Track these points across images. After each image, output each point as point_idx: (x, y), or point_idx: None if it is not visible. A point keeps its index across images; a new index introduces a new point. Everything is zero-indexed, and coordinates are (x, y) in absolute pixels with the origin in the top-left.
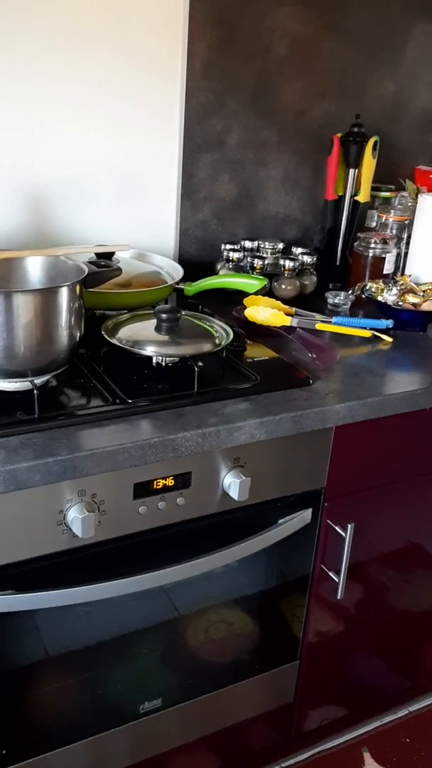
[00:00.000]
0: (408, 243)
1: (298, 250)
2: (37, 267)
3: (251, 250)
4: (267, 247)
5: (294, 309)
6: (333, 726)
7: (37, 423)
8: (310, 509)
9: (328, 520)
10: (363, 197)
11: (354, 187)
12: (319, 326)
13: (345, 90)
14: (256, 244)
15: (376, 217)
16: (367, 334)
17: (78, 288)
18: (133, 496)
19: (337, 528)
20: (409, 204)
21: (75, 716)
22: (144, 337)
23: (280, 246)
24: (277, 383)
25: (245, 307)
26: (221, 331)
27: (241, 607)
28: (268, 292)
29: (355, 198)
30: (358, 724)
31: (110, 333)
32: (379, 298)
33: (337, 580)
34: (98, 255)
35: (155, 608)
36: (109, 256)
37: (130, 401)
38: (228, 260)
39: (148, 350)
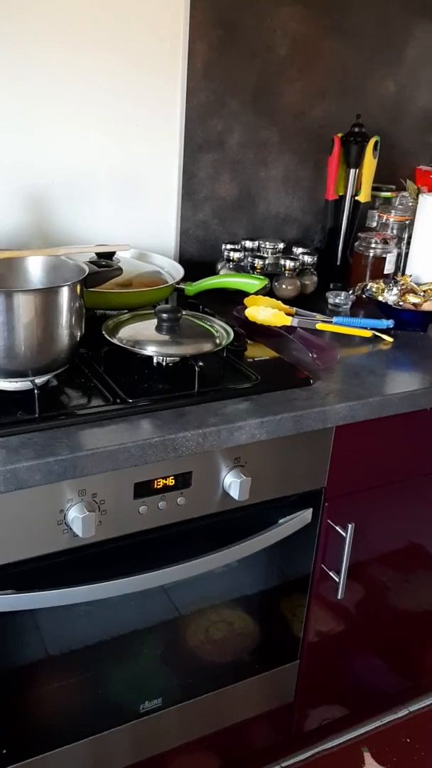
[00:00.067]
0: (408, 243)
1: (298, 250)
2: (37, 267)
3: (252, 250)
4: (267, 247)
5: (294, 309)
6: (333, 726)
7: (38, 422)
8: (311, 509)
9: (328, 520)
10: (364, 197)
11: (355, 187)
12: (319, 326)
13: (346, 90)
14: (256, 244)
15: (376, 217)
16: (368, 334)
17: (79, 288)
18: (133, 495)
19: (337, 528)
20: (410, 204)
21: (75, 716)
22: (145, 336)
23: (281, 246)
24: (278, 383)
25: (246, 307)
26: (222, 331)
27: (242, 607)
28: (268, 292)
29: (356, 198)
30: (359, 724)
31: (111, 333)
32: (380, 298)
33: (337, 580)
34: (99, 255)
35: (155, 608)
36: (109, 255)
37: (130, 401)
38: (228, 260)
39: (149, 350)
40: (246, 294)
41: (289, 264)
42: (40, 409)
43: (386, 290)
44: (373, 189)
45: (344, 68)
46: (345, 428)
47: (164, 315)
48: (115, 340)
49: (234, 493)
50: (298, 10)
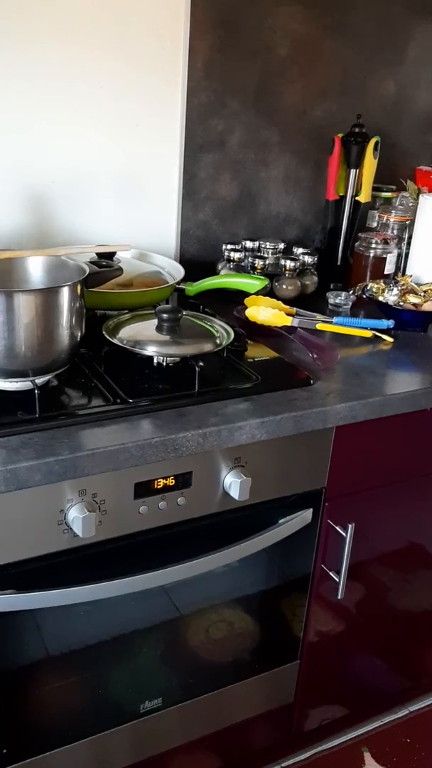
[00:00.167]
0: (409, 243)
1: (299, 250)
2: (38, 267)
3: (252, 250)
4: (268, 247)
5: (295, 309)
6: (333, 726)
7: (38, 423)
8: (311, 509)
9: (328, 520)
10: (364, 197)
11: (355, 187)
12: (319, 326)
13: (346, 90)
14: (257, 244)
15: (377, 218)
16: (368, 334)
17: (79, 288)
18: (133, 495)
19: (337, 528)
20: (410, 204)
21: (75, 715)
22: (145, 337)
23: (281, 246)
24: (278, 383)
25: (246, 307)
26: (222, 331)
27: (242, 607)
28: (269, 292)
29: (356, 198)
30: (359, 724)
31: (111, 333)
32: (380, 299)
33: (337, 580)
34: (99, 255)
35: (156, 608)
36: (110, 256)
37: (131, 401)
38: (229, 260)
39: (149, 350)
40: (246, 294)
41: (289, 264)
42: (41, 409)
43: (386, 290)
44: (374, 189)
45: (345, 68)
46: (345, 428)
47: (165, 315)
48: (115, 341)
49: (234, 493)
50: (298, 10)
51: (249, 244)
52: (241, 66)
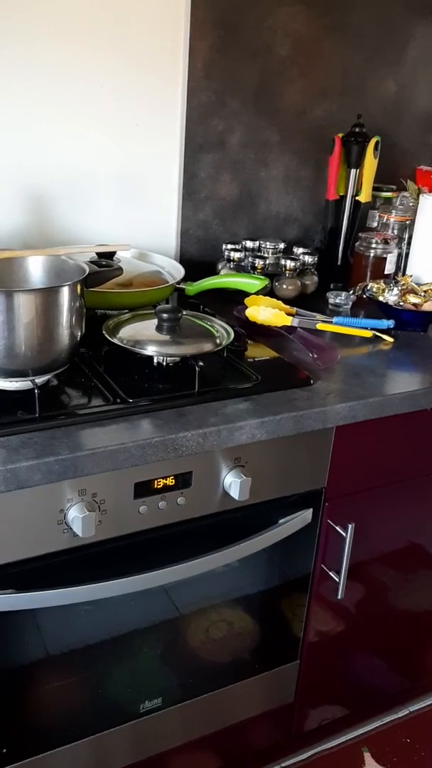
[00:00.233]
0: (409, 243)
1: (299, 250)
2: (38, 267)
3: (252, 249)
4: (268, 246)
5: (295, 309)
6: (333, 726)
7: (38, 422)
8: (311, 509)
9: (328, 520)
10: (364, 197)
11: (355, 187)
12: (320, 326)
13: (346, 90)
14: (257, 243)
15: (377, 218)
16: (368, 334)
17: (79, 287)
18: (133, 495)
19: (337, 528)
20: (411, 204)
21: (75, 715)
22: (145, 336)
23: (281, 246)
24: (278, 383)
25: (246, 307)
26: (222, 331)
27: (242, 607)
28: (269, 292)
29: (357, 198)
30: (359, 724)
31: (111, 332)
32: (380, 299)
33: (337, 580)
34: (99, 255)
35: (156, 608)
36: (110, 255)
37: (130, 401)
38: (229, 260)
39: (149, 350)
40: (246, 294)
41: (289, 264)
42: (41, 408)
43: (387, 290)
44: (374, 189)
45: (345, 68)
46: (345, 428)
47: (165, 315)
48: (115, 340)
49: (234, 493)
50: (299, 10)
51: (249, 243)
52: (241, 66)
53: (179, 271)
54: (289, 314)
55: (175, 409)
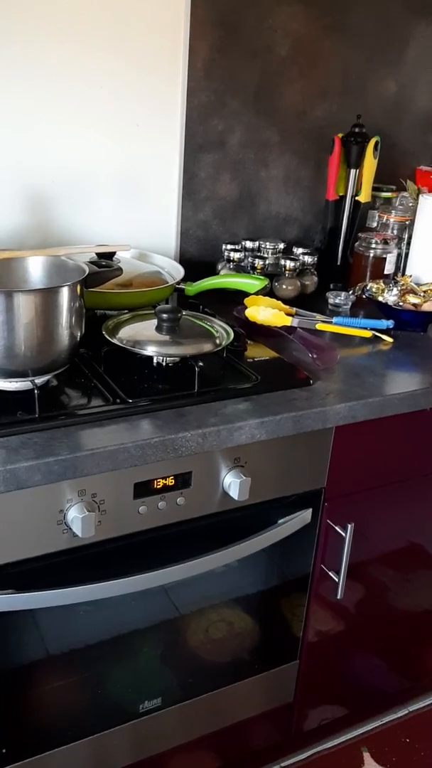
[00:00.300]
0: (409, 243)
1: (298, 250)
2: (38, 267)
3: (252, 250)
4: (268, 247)
5: (294, 309)
6: (333, 726)
7: (38, 422)
8: (310, 509)
9: (328, 520)
10: (364, 197)
11: (355, 187)
12: (319, 326)
13: (346, 90)
14: (257, 244)
15: (377, 218)
16: (368, 334)
17: (79, 288)
18: (133, 495)
19: (337, 528)
20: (410, 204)
21: (75, 715)
22: (145, 337)
23: (281, 246)
24: (278, 383)
25: (246, 307)
26: (222, 331)
27: (241, 607)
28: (268, 292)
29: (356, 198)
30: (358, 723)
31: (111, 333)
32: (380, 299)
33: (337, 580)
34: (99, 255)
35: (155, 608)
36: (110, 256)
37: (130, 401)
38: (229, 260)
39: (149, 350)
40: (246, 294)
41: (289, 264)
42: (40, 409)
43: (386, 290)
44: (374, 189)
45: (345, 68)
46: (345, 428)
47: (164, 315)
48: (115, 340)
49: (234, 493)
50: (298, 10)
51: (249, 244)
52: (241, 66)
53: (179, 272)
54: (288, 314)
55: (175, 410)
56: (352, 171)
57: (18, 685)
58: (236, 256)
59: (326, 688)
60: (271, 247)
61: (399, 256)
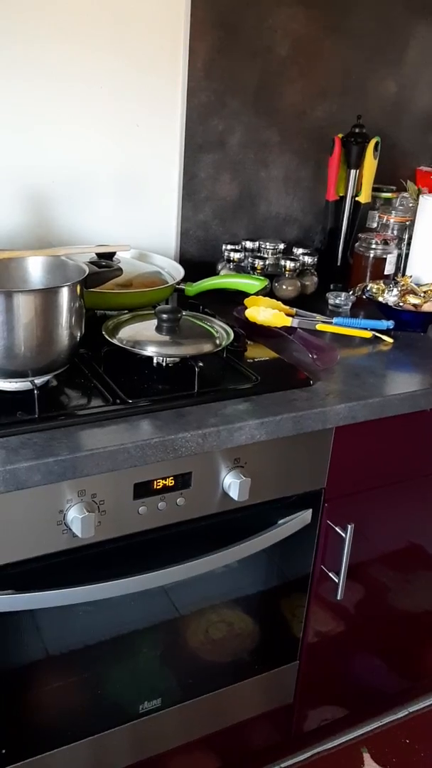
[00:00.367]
0: (409, 244)
1: (299, 251)
2: (38, 267)
3: (252, 250)
4: (268, 247)
5: (295, 309)
6: (333, 726)
7: (38, 423)
8: (310, 510)
9: (328, 521)
10: (364, 198)
11: (355, 187)
12: (319, 327)
13: (346, 90)
14: (257, 244)
15: (377, 218)
16: (368, 334)
17: (79, 288)
18: (133, 496)
19: (337, 529)
20: (410, 205)
21: (75, 716)
22: (145, 337)
23: (281, 246)
24: (278, 384)
25: (246, 308)
26: (222, 332)
27: (241, 607)
28: (268, 292)
29: (356, 199)
30: (358, 724)
31: (111, 333)
32: (380, 299)
33: (337, 580)
34: (99, 255)
35: (155, 608)
36: (110, 256)
37: (130, 401)
38: (229, 260)
39: (149, 350)
40: (246, 294)
41: (289, 264)
42: (40, 409)
43: (386, 291)
44: (374, 190)
45: (345, 68)
46: (345, 429)
47: (164, 315)
48: (115, 341)
49: (234, 493)
50: (298, 10)
51: (249, 244)
52: (241, 66)
53: (179, 272)
54: (288, 315)
55: (175, 410)
56: (353, 171)
57: (18, 686)
58: (236, 256)
59: (326, 689)
60: (271, 248)
61: (399, 256)
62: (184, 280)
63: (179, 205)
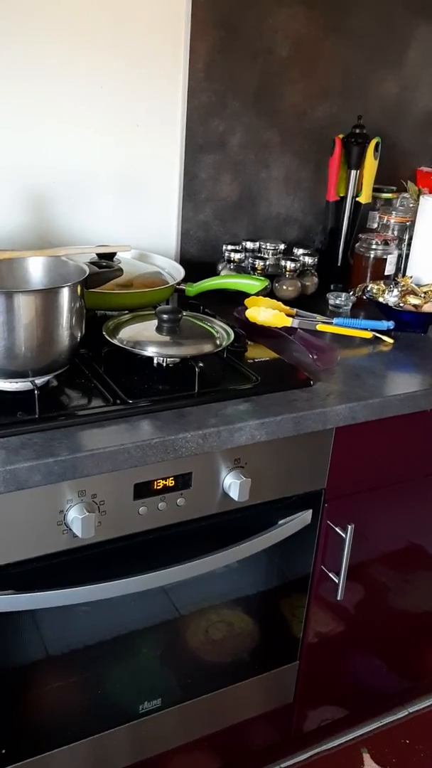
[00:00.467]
0: (409, 244)
1: (299, 251)
2: (38, 267)
3: (252, 250)
4: (268, 247)
5: (295, 310)
6: (333, 726)
7: (38, 423)
8: (311, 510)
9: (328, 521)
10: (364, 198)
11: (355, 188)
12: (320, 327)
13: (347, 91)
14: (257, 244)
15: (377, 219)
16: (368, 335)
17: (79, 288)
18: (133, 496)
19: (337, 529)
20: (411, 205)
21: (75, 716)
22: (145, 337)
23: (282, 247)
24: (278, 384)
25: (246, 308)
26: (222, 332)
27: (242, 608)
28: (269, 292)
29: (357, 199)
30: (358, 724)
31: (111, 333)
32: (380, 300)
33: (337, 581)
34: (100, 255)
35: (155, 608)
36: (110, 256)
37: (130, 401)
38: (229, 261)
39: (149, 351)
40: (246, 295)
41: (289, 265)
42: (40, 409)
43: (387, 291)
44: (374, 190)
45: (345, 69)
46: (345, 429)
47: (165, 316)
48: (115, 341)
49: (234, 494)
50: (299, 10)
51: (249, 244)
52: (241, 66)
53: (179, 272)
54: (289, 315)
55: (175, 410)
56: (353, 172)
57: (18, 686)
58: (237, 256)
59: (326, 689)
60: (272, 248)
61: (399, 257)
62: (185, 280)
63: (180, 206)
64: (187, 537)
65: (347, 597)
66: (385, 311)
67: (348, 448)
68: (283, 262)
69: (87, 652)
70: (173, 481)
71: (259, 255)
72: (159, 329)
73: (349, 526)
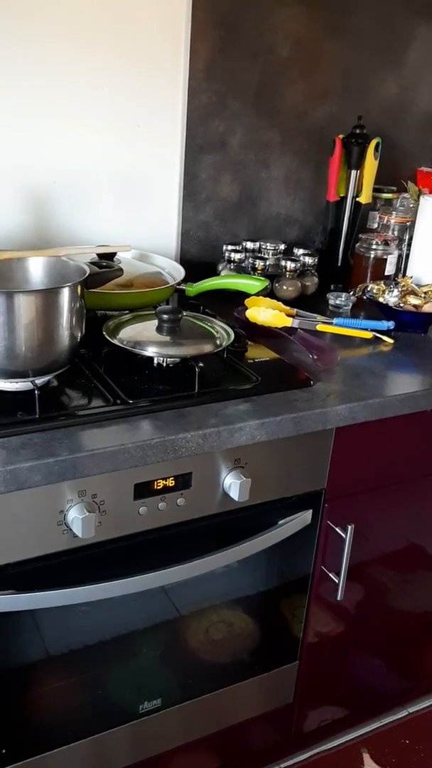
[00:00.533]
0: (409, 245)
1: (299, 251)
2: (38, 267)
3: (253, 251)
4: (268, 248)
5: (295, 310)
6: (333, 726)
7: (38, 423)
8: (311, 510)
9: (328, 522)
10: (365, 198)
11: (356, 188)
12: (320, 327)
13: (347, 91)
14: (257, 244)
15: (377, 219)
16: (368, 335)
17: (79, 288)
18: (133, 496)
19: (337, 529)
20: (411, 206)
21: (75, 716)
22: (145, 337)
23: (282, 247)
24: (278, 384)
25: (246, 308)
26: (222, 332)
27: (242, 608)
28: (269, 293)
29: (357, 199)
30: (358, 724)
31: (111, 333)
32: (381, 300)
33: (337, 581)
34: (100, 255)
35: (155, 608)
36: (110, 256)
37: (130, 402)
38: (229, 261)
39: (149, 351)
40: (247, 295)
41: (289, 265)
42: (41, 409)
43: (387, 292)
44: (374, 190)
45: (346, 69)
46: (345, 429)
47: (165, 316)
48: (115, 341)
49: (234, 494)
50: (300, 11)
51: (249, 244)
52: (242, 67)
53: (180, 272)
54: (289, 315)
55: (175, 410)
56: (353, 172)
57: (18, 686)
58: (237, 256)
59: (326, 689)
60: (272, 248)
61: (400, 257)
62: (185, 280)
63: (180, 206)
64: (187, 537)
65: (347, 597)
66: (385, 311)
67: (348, 449)
68: (283, 263)
69: (87, 652)
70: (173, 481)
71: (260, 255)
72: (159, 329)
73: (349, 527)
